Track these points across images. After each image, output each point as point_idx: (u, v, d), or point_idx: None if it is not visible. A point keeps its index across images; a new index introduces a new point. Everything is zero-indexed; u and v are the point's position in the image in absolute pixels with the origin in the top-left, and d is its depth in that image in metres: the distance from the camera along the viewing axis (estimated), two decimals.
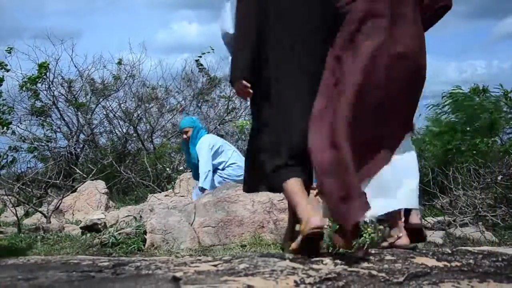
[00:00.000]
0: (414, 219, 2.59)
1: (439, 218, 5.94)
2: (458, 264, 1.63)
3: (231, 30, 2.73)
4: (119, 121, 10.48)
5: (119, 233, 4.87)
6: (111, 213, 5.86)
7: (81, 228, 5.34)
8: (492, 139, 7.81)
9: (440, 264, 1.62)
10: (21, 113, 9.76)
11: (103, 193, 6.62)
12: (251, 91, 2.61)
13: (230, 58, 2.75)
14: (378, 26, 2.57)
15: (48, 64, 9.54)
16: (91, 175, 7.58)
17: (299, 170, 2.53)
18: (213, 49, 10.61)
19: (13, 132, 9.61)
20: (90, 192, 6.72)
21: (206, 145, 6.27)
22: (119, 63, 10.35)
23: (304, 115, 2.52)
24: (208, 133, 6.86)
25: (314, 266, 1.55)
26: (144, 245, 4.62)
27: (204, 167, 6.17)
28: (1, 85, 9.50)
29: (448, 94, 8.05)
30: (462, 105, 7.83)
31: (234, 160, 6.31)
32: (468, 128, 7.73)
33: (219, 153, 6.33)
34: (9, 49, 9.52)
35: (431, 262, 1.63)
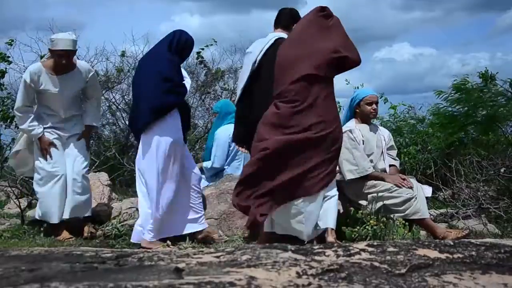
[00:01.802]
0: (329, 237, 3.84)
1: (442, 211, 5.95)
2: (461, 256, 1.63)
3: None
4: (122, 113, 10.47)
5: (122, 225, 4.88)
6: (114, 205, 5.87)
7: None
8: (494, 132, 7.79)
9: (443, 255, 1.62)
10: None
11: (106, 185, 6.61)
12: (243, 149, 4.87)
13: None
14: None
15: None
16: (94, 167, 7.59)
17: None
18: (215, 41, 10.52)
19: (17, 125, 9.61)
20: (93, 184, 6.69)
21: (222, 139, 5.69)
22: (123, 55, 10.32)
23: None
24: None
25: (317, 257, 1.55)
26: None
27: (216, 162, 5.72)
28: (4, 77, 9.50)
29: (455, 85, 7.99)
30: (469, 95, 7.77)
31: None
32: (470, 120, 7.70)
33: (233, 154, 5.73)
34: (10, 41, 9.49)
35: (433, 253, 1.63)
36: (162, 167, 4.21)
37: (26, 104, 4.73)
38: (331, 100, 3.90)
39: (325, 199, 3.87)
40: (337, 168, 4.64)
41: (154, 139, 4.21)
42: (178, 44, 4.35)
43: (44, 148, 4.76)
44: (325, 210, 3.87)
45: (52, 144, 4.77)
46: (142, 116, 4.27)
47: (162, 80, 4.19)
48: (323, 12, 3.94)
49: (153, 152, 4.21)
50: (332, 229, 3.88)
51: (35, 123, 4.76)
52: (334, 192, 3.94)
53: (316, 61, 3.78)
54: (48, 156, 4.78)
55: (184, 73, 4.46)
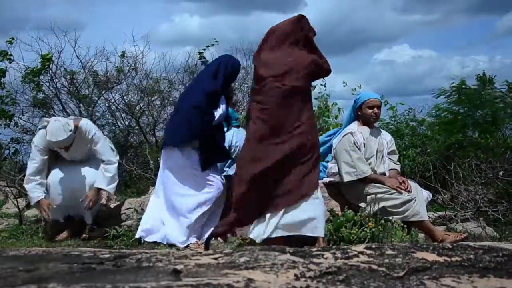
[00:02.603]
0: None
1: (440, 213, 5.95)
2: (459, 259, 1.63)
3: None
4: (122, 113, 10.46)
5: (120, 226, 4.88)
6: (113, 206, 5.87)
7: None
8: (494, 133, 7.80)
9: (441, 259, 1.61)
10: (23, 104, 9.75)
11: None
12: None
13: None
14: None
15: (52, 56, 9.52)
16: None
17: None
18: (217, 41, 10.46)
19: (16, 124, 9.61)
20: None
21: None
22: (123, 55, 10.31)
23: None
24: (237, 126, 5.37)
25: (315, 260, 1.55)
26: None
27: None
28: (5, 76, 9.49)
29: (455, 86, 8.01)
30: (468, 97, 7.79)
31: None
32: (470, 121, 7.71)
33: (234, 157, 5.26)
34: (10, 39, 9.48)
35: (431, 256, 1.63)
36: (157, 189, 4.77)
37: (37, 170, 4.85)
38: (309, 110, 3.80)
39: (311, 204, 3.73)
40: (336, 170, 4.66)
41: (161, 160, 4.71)
42: (226, 72, 4.58)
43: (43, 209, 4.82)
44: (314, 218, 3.73)
45: (50, 204, 4.83)
46: (167, 136, 4.77)
47: (191, 107, 4.46)
48: (301, 23, 3.85)
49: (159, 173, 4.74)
50: (323, 237, 3.84)
51: (39, 188, 4.87)
52: (319, 196, 3.80)
53: (297, 72, 3.72)
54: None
55: (221, 102, 4.58)
